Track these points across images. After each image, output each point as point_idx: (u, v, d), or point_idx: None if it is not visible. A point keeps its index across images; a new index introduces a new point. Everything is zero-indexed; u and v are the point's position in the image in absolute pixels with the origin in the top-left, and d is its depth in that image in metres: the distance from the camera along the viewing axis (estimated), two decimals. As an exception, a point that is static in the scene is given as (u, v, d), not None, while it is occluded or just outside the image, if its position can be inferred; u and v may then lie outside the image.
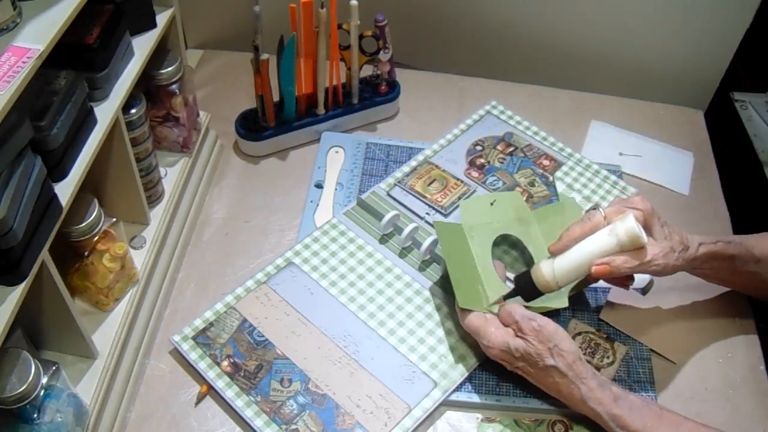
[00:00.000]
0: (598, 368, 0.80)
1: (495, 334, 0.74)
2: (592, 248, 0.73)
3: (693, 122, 1.13)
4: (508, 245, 0.88)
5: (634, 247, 0.72)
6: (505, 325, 0.75)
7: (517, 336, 0.73)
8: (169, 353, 0.80)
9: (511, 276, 0.84)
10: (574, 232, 0.74)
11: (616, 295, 0.87)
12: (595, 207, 0.75)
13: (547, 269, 0.74)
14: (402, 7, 1.19)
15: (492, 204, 0.87)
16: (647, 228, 0.74)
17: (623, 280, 0.77)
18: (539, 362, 0.71)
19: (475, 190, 0.96)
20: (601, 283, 0.82)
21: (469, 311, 0.76)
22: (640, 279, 0.89)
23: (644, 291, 0.88)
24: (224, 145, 1.02)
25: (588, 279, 0.80)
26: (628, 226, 0.71)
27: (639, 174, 1.03)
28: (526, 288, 0.76)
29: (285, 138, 1.01)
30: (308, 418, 0.74)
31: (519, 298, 0.79)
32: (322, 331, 0.80)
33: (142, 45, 0.78)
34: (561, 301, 0.79)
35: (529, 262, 0.86)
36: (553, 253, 0.75)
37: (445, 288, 0.85)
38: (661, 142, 1.08)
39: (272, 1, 0.99)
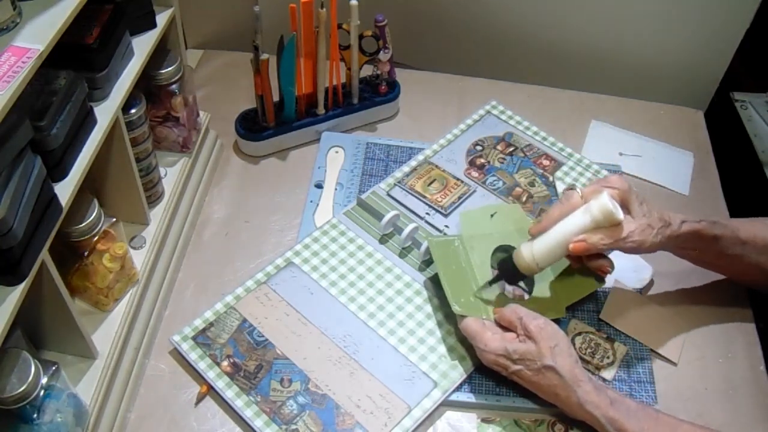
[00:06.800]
0: (598, 368, 0.80)
1: (492, 339, 0.74)
2: (569, 227, 0.74)
3: (693, 122, 1.13)
4: (504, 251, 0.88)
5: (610, 224, 0.73)
6: (506, 326, 0.75)
7: (516, 339, 0.73)
8: (169, 353, 0.80)
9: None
10: (553, 214, 0.76)
11: (616, 295, 0.87)
12: (572, 187, 0.76)
13: (526, 251, 0.75)
14: (402, 7, 1.19)
15: (492, 216, 0.88)
16: (625, 205, 0.75)
17: (602, 264, 0.76)
18: (537, 362, 0.71)
19: (475, 190, 0.96)
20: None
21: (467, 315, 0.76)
22: (640, 279, 0.89)
23: (643, 291, 0.88)
24: (224, 145, 1.02)
25: (584, 285, 0.81)
26: (601, 203, 0.72)
27: (639, 174, 1.03)
28: (509, 271, 0.78)
29: (285, 138, 1.01)
30: (308, 418, 0.74)
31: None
32: (322, 331, 0.80)
33: (142, 45, 0.78)
34: (557, 312, 0.80)
35: None
36: (533, 235, 0.77)
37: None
38: (661, 142, 1.08)
39: (272, 1, 0.99)
